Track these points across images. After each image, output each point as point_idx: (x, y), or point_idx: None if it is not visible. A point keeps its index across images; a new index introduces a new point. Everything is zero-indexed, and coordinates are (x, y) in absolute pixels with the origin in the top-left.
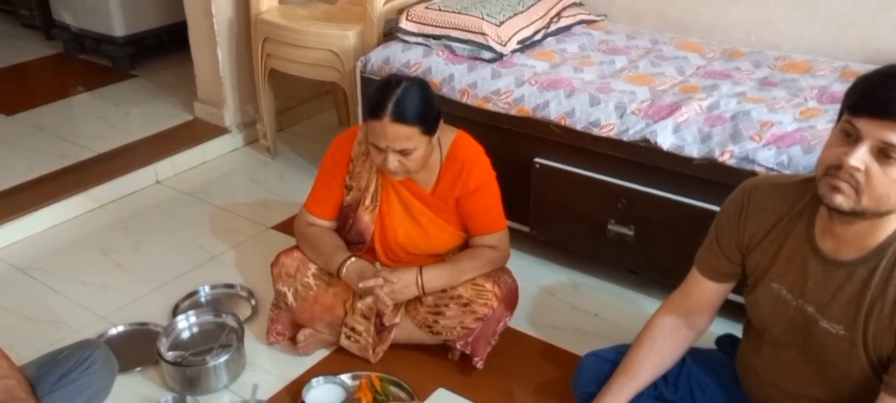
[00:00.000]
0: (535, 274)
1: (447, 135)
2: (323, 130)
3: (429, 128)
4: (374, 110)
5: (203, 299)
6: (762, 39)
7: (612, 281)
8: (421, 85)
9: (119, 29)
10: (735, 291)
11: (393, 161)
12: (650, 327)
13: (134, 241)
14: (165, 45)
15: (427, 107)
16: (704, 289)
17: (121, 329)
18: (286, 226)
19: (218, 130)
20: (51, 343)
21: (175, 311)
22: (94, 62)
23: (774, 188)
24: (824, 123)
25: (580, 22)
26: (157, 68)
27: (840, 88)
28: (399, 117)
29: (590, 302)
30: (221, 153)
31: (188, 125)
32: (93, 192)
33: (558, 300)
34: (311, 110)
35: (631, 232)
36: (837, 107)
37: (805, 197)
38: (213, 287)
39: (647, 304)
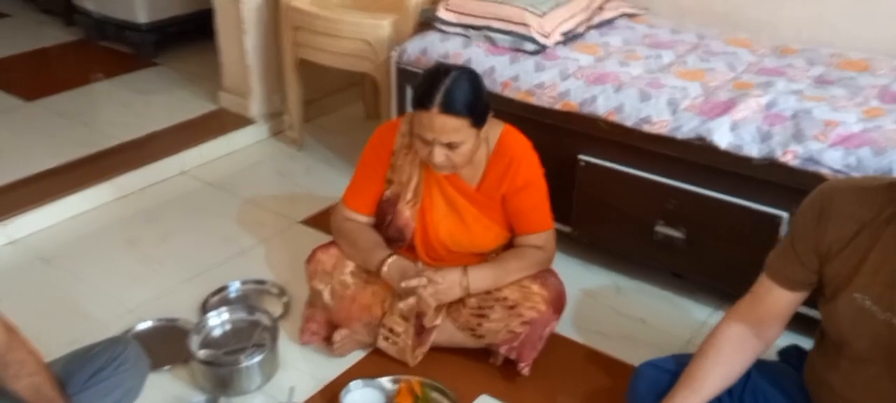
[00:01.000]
0: (575, 277)
1: (494, 129)
2: (350, 123)
3: (478, 121)
4: (421, 100)
5: (233, 295)
6: (814, 37)
7: (656, 284)
8: (471, 75)
9: (142, 15)
10: (805, 302)
11: (439, 154)
12: (715, 336)
13: (161, 232)
14: (189, 33)
15: (477, 99)
16: (777, 298)
17: (149, 324)
18: (315, 221)
19: (243, 121)
20: (77, 336)
21: (204, 307)
22: (115, 49)
23: (858, 192)
24: (891, 123)
25: (622, 15)
26: (181, 56)
27: None
28: (448, 108)
29: (634, 307)
30: (247, 144)
31: (213, 115)
32: (117, 181)
33: (601, 304)
34: (338, 102)
35: (681, 235)
36: None
37: (892, 202)
38: (243, 282)
39: (694, 310)
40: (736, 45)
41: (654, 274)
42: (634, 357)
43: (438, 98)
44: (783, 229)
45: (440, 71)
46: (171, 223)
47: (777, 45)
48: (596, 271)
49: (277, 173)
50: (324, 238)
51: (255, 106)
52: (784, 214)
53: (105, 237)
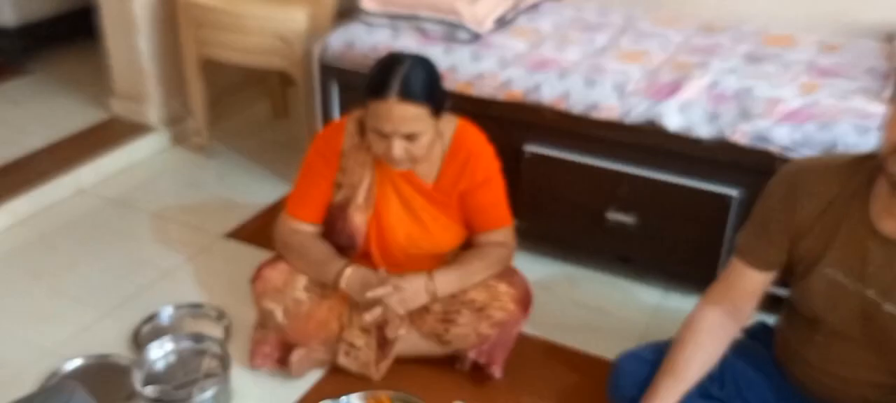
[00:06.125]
0: (526, 270)
1: (448, 123)
2: (257, 124)
3: (437, 109)
4: (377, 90)
5: (166, 322)
6: (733, 13)
7: (606, 271)
8: (426, 62)
9: (10, 18)
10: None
11: (398, 147)
12: (693, 323)
13: (66, 260)
14: (61, 36)
15: (435, 86)
16: (750, 280)
17: (77, 363)
18: (243, 233)
19: (141, 129)
20: None
21: (136, 338)
22: None
23: (823, 170)
24: (827, 97)
25: None
26: (55, 62)
27: (826, 62)
28: (407, 96)
29: (590, 296)
30: (148, 154)
31: (105, 124)
32: (9, 206)
33: (557, 296)
34: (241, 102)
35: (632, 220)
36: (832, 80)
37: (856, 177)
38: (177, 307)
39: (646, 293)
40: (663, 26)
41: (603, 261)
42: (600, 348)
43: (396, 86)
44: (734, 207)
45: (394, 59)
46: (77, 248)
47: (701, 24)
48: (546, 263)
49: (187, 184)
50: (256, 252)
51: (154, 112)
52: (735, 192)
53: (5, 271)
